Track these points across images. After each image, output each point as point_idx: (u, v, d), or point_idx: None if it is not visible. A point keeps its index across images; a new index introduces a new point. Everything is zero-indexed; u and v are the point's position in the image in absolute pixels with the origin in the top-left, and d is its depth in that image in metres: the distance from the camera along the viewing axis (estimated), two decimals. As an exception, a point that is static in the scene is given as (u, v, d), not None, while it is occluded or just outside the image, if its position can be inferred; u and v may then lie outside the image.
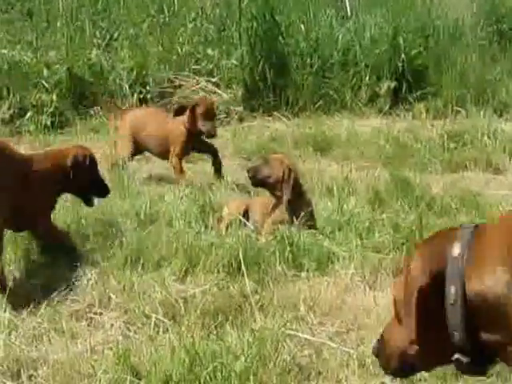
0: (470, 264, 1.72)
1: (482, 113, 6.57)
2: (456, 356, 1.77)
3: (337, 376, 2.81)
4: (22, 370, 2.81)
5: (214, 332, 3.03)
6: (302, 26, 7.53)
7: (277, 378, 2.72)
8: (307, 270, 3.67)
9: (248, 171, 4.14)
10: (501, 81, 7.29)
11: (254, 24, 7.24)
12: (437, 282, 1.74)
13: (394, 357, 1.90)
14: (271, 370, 2.74)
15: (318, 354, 2.93)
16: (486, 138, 5.85)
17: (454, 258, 1.73)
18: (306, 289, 3.42)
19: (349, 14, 8.12)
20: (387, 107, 7.05)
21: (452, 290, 1.71)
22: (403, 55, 7.32)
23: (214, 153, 5.07)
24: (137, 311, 3.22)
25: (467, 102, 6.92)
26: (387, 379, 2.73)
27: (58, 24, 7.27)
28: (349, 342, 2.99)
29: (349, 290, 3.55)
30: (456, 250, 1.74)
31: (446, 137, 5.80)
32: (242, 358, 2.72)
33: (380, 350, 1.97)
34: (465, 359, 1.76)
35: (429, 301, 1.74)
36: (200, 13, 7.77)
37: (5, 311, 3.16)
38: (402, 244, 3.85)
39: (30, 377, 2.79)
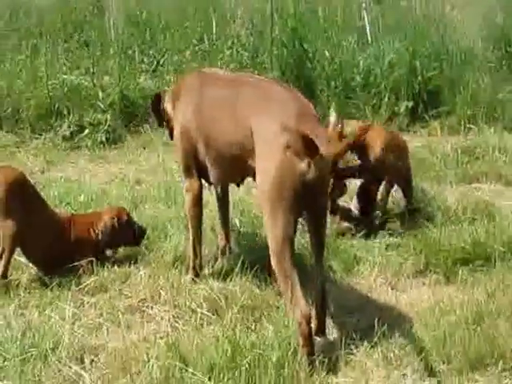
0: None
1: (492, 129, 6.46)
2: None
3: (362, 367, 2.83)
4: (85, 356, 2.87)
5: (253, 326, 3.05)
6: (327, 53, 7.50)
7: (307, 367, 2.73)
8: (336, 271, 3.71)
9: None
10: (510, 100, 7.19)
11: (284, 51, 7.25)
12: None
13: None
14: (303, 360, 2.75)
15: (345, 345, 2.94)
16: (496, 152, 5.75)
17: None
18: (334, 289, 3.44)
19: (369, 40, 8.08)
20: (405, 125, 7.01)
21: None
22: (420, 77, 7.25)
23: None
24: (184, 306, 3.26)
25: (479, 119, 6.80)
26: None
27: (111, 52, 7.29)
28: (373, 337, 2.98)
29: (372, 290, 3.58)
30: None
31: (459, 152, 5.72)
32: (278, 350, 2.73)
33: None
34: None
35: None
36: (236, 41, 7.79)
37: (69, 305, 3.22)
38: (421, 250, 3.87)
39: (91, 362, 2.85)
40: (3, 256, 3.42)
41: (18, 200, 3.44)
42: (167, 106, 3.62)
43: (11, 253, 3.44)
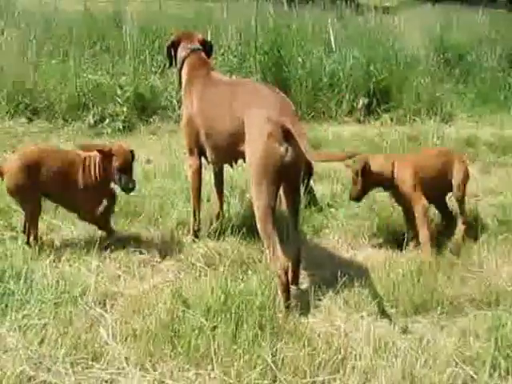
0: None
1: (432, 121, 6.48)
2: None
3: (327, 310, 2.81)
4: (106, 300, 2.83)
5: (241, 277, 3.01)
6: (300, 59, 7.43)
7: (284, 310, 2.72)
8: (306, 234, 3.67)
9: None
10: (446, 97, 7.19)
11: (266, 57, 7.16)
12: None
13: None
14: (281, 304, 2.75)
15: (314, 293, 2.92)
16: (435, 139, 5.75)
17: None
18: (306, 248, 3.38)
19: (334, 49, 8.00)
20: (362, 117, 6.99)
21: None
22: (374, 79, 7.23)
23: None
24: (185, 261, 3.23)
25: (421, 112, 6.83)
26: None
27: (127, 57, 7.20)
28: (336, 286, 2.97)
29: (336, 249, 3.55)
30: None
31: (405, 138, 5.72)
32: (261, 296, 2.70)
33: None
34: None
35: None
36: (227, 49, 7.67)
37: (94, 259, 3.17)
38: (374, 219, 3.81)
39: (112, 305, 2.81)
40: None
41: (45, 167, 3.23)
42: (183, 73, 3.50)
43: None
